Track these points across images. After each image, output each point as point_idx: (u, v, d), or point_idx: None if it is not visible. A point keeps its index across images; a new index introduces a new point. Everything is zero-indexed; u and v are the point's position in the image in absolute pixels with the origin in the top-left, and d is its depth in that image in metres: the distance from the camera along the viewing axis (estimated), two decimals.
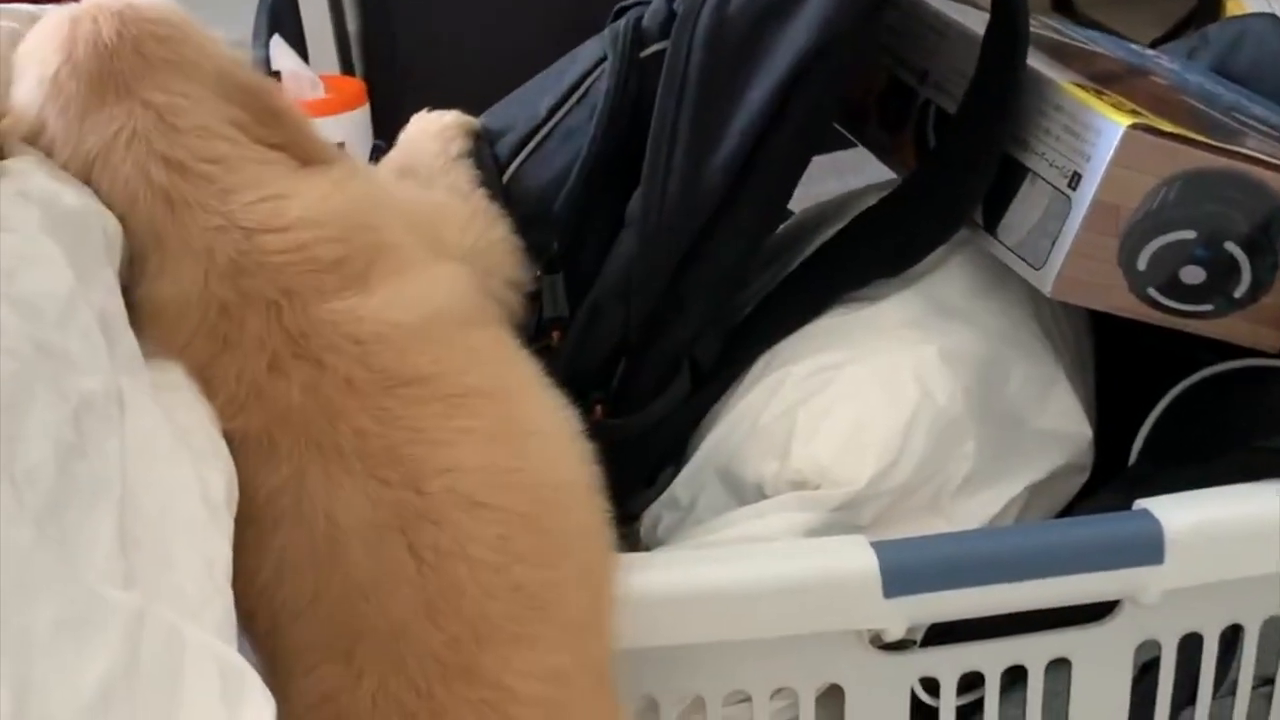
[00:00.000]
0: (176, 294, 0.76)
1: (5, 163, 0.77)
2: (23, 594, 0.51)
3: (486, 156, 1.00)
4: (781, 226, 1.10)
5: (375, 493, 0.73)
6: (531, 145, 0.99)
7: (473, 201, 0.95)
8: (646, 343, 0.96)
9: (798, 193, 1.01)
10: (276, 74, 1.74)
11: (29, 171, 0.77)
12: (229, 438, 0.74)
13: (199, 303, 0.76)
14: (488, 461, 0.76)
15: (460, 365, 0.78)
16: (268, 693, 0.60)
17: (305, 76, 1.65)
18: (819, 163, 1.01)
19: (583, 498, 0.80)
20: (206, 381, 0.75)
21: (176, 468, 0.68)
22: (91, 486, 0.60)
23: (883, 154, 1.08)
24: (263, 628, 0.73)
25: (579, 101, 0.99)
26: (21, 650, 0.50)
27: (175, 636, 0.57)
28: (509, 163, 1.00)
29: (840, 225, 1.03)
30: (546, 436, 0.80)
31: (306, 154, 0.81)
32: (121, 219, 0.77)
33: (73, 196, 0.76)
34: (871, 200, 1.02)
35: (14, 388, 0.58)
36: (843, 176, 1.19)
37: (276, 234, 0.77)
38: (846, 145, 1.13)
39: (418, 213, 0.87)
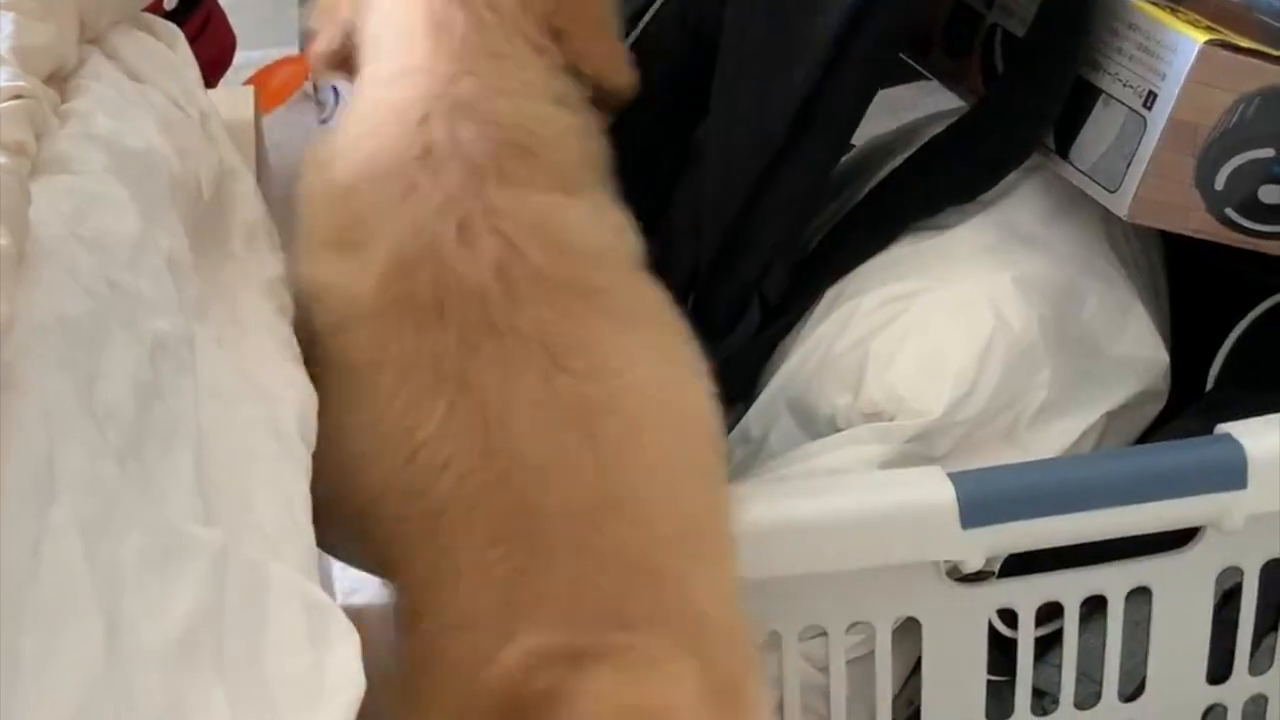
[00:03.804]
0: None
1: (68, 105, 0.77)
2: (109, 528, 0.51)
3: None
4: (845, 158, 1.08)
5: (556, 379, 0.73)
6: None
7: None
8: (715, 277, 0.95)
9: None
10: None
11: (93, 113, 0.76)
12: (387, 304, 0.75)
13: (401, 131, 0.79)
14: (655, 379, 0.77)
15: (630, 293, 0.80)
16: (353, 628, 0.59)
17: None
18: (874, 100, 0.99)
19: (716, 432, 0.80)
20: (373, 225, 0.77)
21: (249, 407, 0.68)
22: (169, 425, 0.60)
23: (948, 80, 1.06)
24: (418, 486, 0.73)
25: (642, 34, 0.98)
26: (110, 584, 0.50)
27: (259, 573, 0.57)
28: None
29: (907, 154, 1.01)
30: (692, 373, 0.81)
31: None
32: None
33: (137, 138, 0.76)
34: (939, 128, 1.01)
35: (92, 325, 0.58)
36: (898, 114, 1.17)
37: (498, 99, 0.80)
38: (899, 81, 1.12)
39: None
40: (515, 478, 0.72)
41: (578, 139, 0.84)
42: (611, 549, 0.71)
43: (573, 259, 0.78)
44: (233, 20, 1.78)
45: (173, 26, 0.92)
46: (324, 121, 1.73)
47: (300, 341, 0.79)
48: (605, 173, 0.85)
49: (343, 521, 0.74)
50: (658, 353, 0.79)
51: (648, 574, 0.71)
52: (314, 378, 0.76)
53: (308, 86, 1.90)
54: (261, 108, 1.20)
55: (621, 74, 0.89)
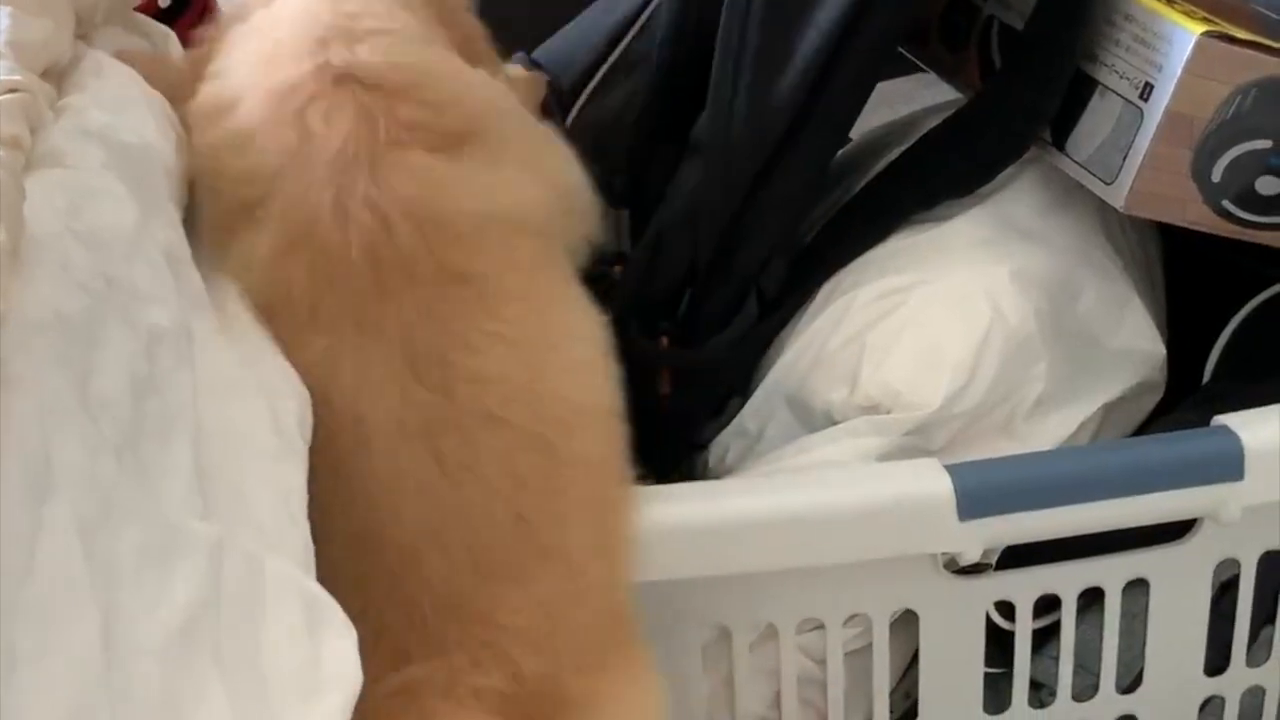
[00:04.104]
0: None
1: (65, 100, 0.76)
2: (106, 523, 0.51)
3: (549, 99, 0.99)
4: (841, 151, 1.08)
5: (410, 391, 0.71)
6: (595, 80, 0.98)
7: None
8: (713, 272, 0.95)
9: None
10: None
11: (88, 108, 0.76)
12: (268, 297, 0.72)
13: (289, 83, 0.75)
14: (508, 372, 0.74)
15: (503, 267, 0.76)
16: (349, 622, 0.59)
17: None
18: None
19: (599, 422, 0.78)
20: (264, 185, 0.74)
21: (247, 400, 0.68)
22: (167, 419, 0.60)
23: (945, 73, 1.06)
24: None
25: (640, 32, 0.97)
26: (107, 579, 0.50)
27: (256, 566, 0.57)
28: (571, 101, 0.99)
29: (904, 147, 1.01)
30: (571, 354, 0.78)
31: (475, 55, 0.83)
32: None
33: (133, 133, 0.76)
34: (935, 121, 1.00)
35: (88, 320, 0.58)
36: (893, 106, 1.17)
37: (392, 69, 0.76)
38: (895, 74, 1.12)
39: (533, 133, 0.86)
40: (364, 504, 0.71)
41: (469, 90, 0.80)
42: (430, 583, 0.71)
43: (447, 240, 0.74)
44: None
45: (164, 28, 0.91)
46: None
47: None
48: (515, 121, 0.83)
49: None
50: (523, 331, 0.75)
51: (454, 607, 0.71)
52: None
53: None
54: None
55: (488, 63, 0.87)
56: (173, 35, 0.92)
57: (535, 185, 0.80)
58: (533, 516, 0.73)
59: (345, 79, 0.75)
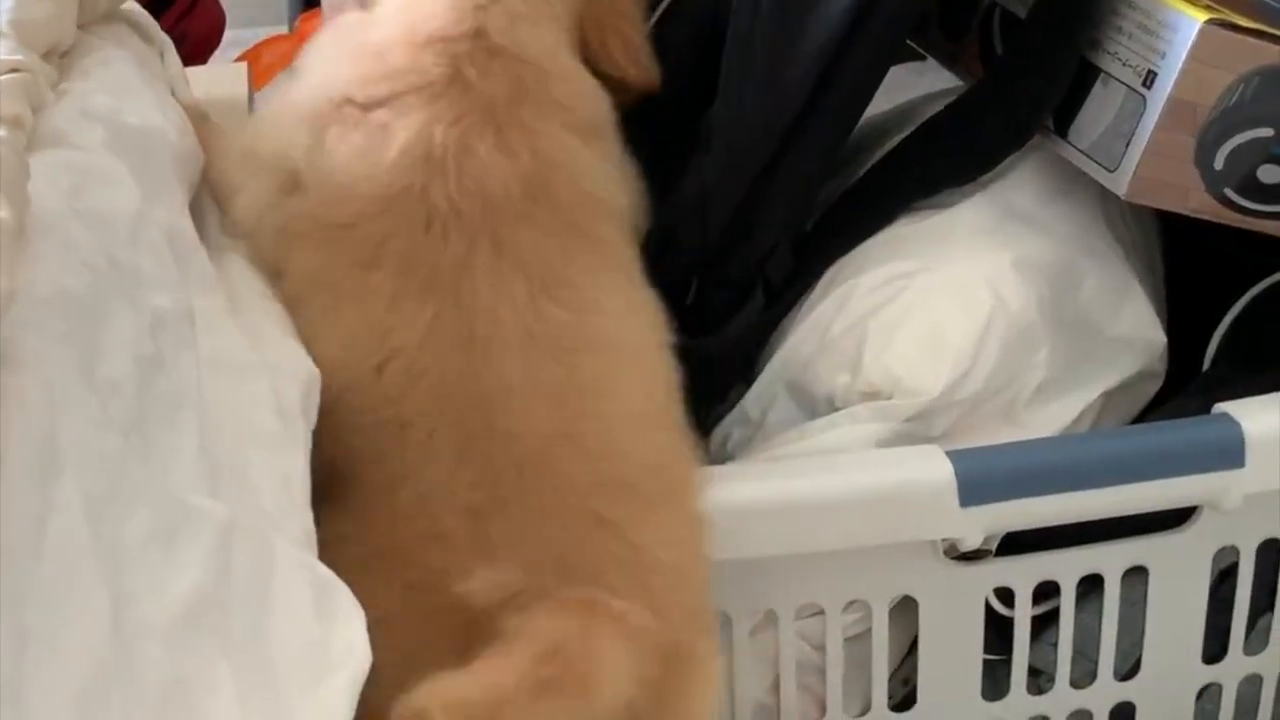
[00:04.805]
0: None
1: (66, 84, 0.76)
2: (114, 503, 0.51)
3: None
4: None
5: (545, 307, 0.74)
6: None
7: None
8: (722, 260, 0.94)
9: None
10: (316, 0, 1.72)
11: (90, 91, 0.76)
12: (397, 193, 0.75)
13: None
14: (630, 328, 0.78)
15: (623, 250, 0.82)
16: (357, 604, 0.59)
17: (346, 1, 1.64)
18: None
19: (678, 395, 0.81)
20: (402, 91, 0.78)
21: (250, 383, 0.67)
22: (172, 399, 0.59)
23: (946, 60, 1.06)
24: (390, 394, 0.73)
25: (657, 25, 0.97)
26: (115, 559, 0.50)
27: (265, 547, 0.57)
28: None
29: (904, 135, 1.01)
30: (659, 332, 0.82)
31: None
32: None
33: (136, 115, 0.76)
34: (936, 108, 1.00)
35: (93, 300, 0.57)
36: (889, 94, 1.17)
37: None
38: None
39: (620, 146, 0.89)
40: (491, 401, 0.72)
41: (594, 92, 0.86)
42: (568, 491, 0.71)
43: (586, 205, 0.79)
44: None
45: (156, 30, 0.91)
46: None
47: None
48: (615, 130, 0.87)
49: None
50: (635, 308, 0.80)
51: (604, 526, 0.71)
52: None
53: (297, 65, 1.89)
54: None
55: (646, 69, 0.91)
56: (169, 43, 0.92)
57: (628, 193, 0.85)
58: (660, 452, 0.76)
59: (500, 51, 0.80)
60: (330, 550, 0.67)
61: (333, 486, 0.72)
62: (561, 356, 0.74)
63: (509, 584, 0.68)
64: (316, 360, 0.74)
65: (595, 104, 0.85)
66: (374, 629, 0.62)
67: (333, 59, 0.83)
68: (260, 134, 0.84)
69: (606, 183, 0.82)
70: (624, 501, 0.72)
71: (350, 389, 0.73)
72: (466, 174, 0.76)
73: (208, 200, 0.84)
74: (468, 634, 0.67)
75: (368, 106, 0.78)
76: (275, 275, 0.79)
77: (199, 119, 0.87)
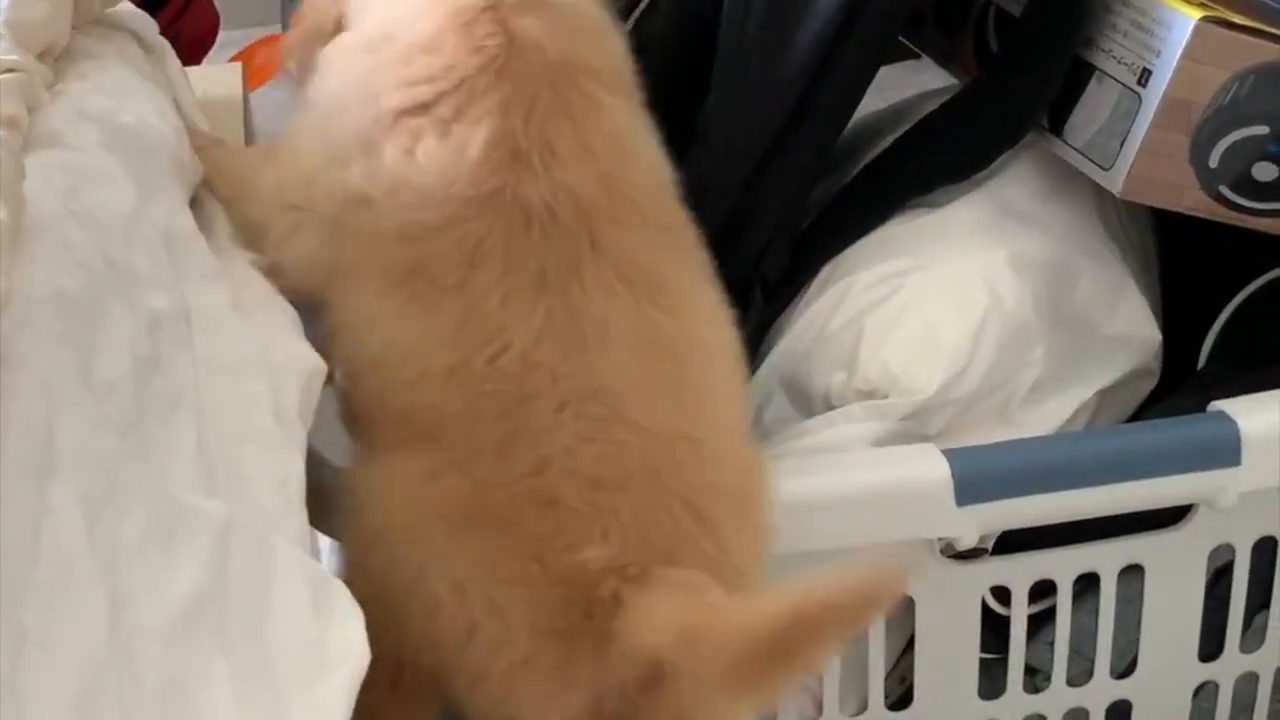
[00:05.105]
0: None
1: (62, 85, 0.76)
2: (110, 503, 0.51)
3: None
4: None
5: (648, 311, 0.75)
6: None
7: None
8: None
9: None
10: None
11: (86, 92, 0.76)
12: (487, 194, 0.75)
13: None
14: (715, 326, 0.79)
15: (688, 234, 0.81)
16: (355, 604, 0.59)
17: None
18: None
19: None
20: (465, 93, 0.77)
21: (248, 383, 0.67)
22: (169, 399, 0.59)
23: (940, 58, 1.06)
24: (508, 375, 0.73)
25: (641, 18, 0.97)
26: (112, 559, 0.49)
27: (263, 546, 0.57)
28: None
29: (899, 133, 1.01)
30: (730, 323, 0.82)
31: None
32: None
33: (131, 116, 0.76)
34: (931, 106, 1.00)
35: (89, 300, 0.57)
36: (883, 93, 1.17)
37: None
38: (887, 61, 1.11)
39: None
40: (614, 394, 0.72)
41: (616, 36, 0.85)
42: (682, 487, 0.72)
43: (655, 188, 0.80)
44: None
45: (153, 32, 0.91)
46: None
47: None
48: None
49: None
50: (717, 310, 0.80)
51: (702, 522, 0.72)
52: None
53: (290, 65, 1.88)
54: None
55: None
56: (170, 50, 0.91)
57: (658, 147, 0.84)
58: (750, 460, 0.77)
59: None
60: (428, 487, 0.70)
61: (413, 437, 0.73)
62: (669, 361, 0.75)
63: (619, 557, 0.70)
64: (400, 347, 0.74)
65: (622, 50, 0.84)
66: (478, 585, 0.66)
67: (366, 79, 0.80)
68: (297, 179, 0.81)
69: (655, 152, 0.82)
70: (724, 505, 0.73)
71: (457, 374, 0.73)
72: (554, 174, 0.76)
73: (212, 205, 0.84)
74: (583, 601, 0.69)
75: (431, 104, 0.77)
76: (343, 297, 0.78)
77: (212, 145, 0.86)
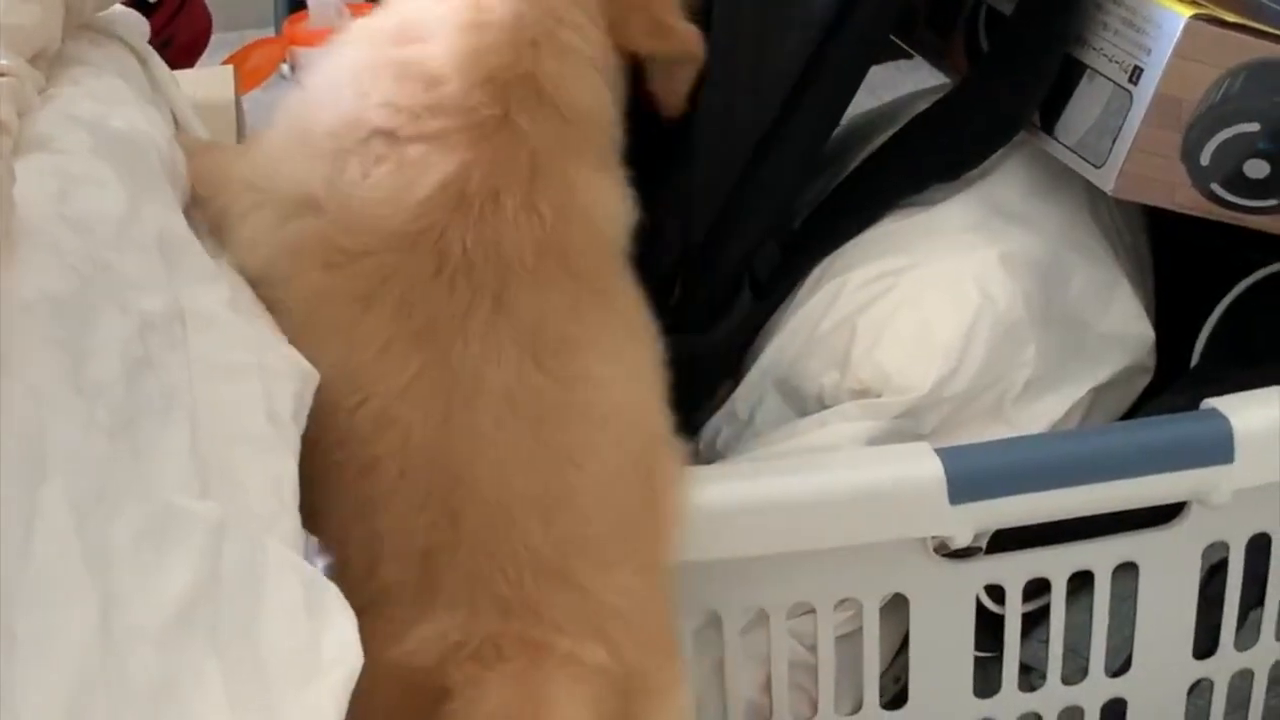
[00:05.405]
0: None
1: (52, 89, 0.76)
2: (101, 506, 0.51)
3: None
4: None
5: (531, 376, 0.74)
6: None
7: None
8: (706, 258, 0.94)
9: None
10: (303, 2, 1.73)
11: (77, 97, 0.76)
12: (416, 235, 0.74)
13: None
14: (621, 387, 0.78)
15: (624, 295, 0.81)
16: (348, 606, 0.59)
17: (332, 3, 1.64)
18: None
19: (666, 441, 0.81)
20: (427, 123, 0.76)
21: (242, 384, 0.67)
22: (162, 401, 0.59)
23: (932, 56, 1.06)
24: (361, 435, 0.73)
25: None
26: (104, 561, 0.49)
27: (256, 548, 0.57)
28: None
29: (890, 132, 1.01)
30: (652, 378, 0.81)
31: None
32: None
33: (122, 120, 0.76)
34: (924, 105, 1.00)
35: (80, 303, 0.57)
36: (875, 93, 1.17)
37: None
38: (878, 60, 1.11)
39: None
40: (461, 457, 0.72)
41: (612, 118, 0.84)
42: (522, 543, 0.72)
43: (597, 251, 0.79)
44: (208, 1, 1.77)
45: (140, 16, 0.91)
46: None
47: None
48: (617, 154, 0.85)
49: None
50: (630, 361, 0.79)
51: (557, 576, 0.72)
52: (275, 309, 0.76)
53: (284, 68, 1.89)
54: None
55: (679, 35, 0.87)
56: (150, 50, 0.91)
57: (629, 215, 0.84)
58: (632, 507, 0.77)
59: (549, 98, 0.79)
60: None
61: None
62: (538, 426, 0.74)
63: (449, 634, 0.70)
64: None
65: (610, 127, 0.84)
66: None
67: (364, 76, 0.79)
68: (266, 162, 0.81)
69: (618, 216, 0.82)
70: (579, 556, 0.73)
71: (325, 423, 0.73)
72: (488, 226, 0.75)
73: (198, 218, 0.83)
74: (416, 694, 0.69)
75: (408, 140, 0.76)
76: (274, 301, 0.78)
77: (197, 148, 0.86)
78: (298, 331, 0.75)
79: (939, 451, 0.84)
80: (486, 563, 0.71)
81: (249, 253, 0.79)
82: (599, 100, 0.82)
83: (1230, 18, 0.86)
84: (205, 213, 0.82)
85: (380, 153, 0.76)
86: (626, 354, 0.79)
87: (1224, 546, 0.91)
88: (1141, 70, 0.87)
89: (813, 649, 0.89)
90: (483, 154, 0.76)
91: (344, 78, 0.80)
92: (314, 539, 0.76)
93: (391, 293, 0.74)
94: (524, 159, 0.77)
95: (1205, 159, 0.89)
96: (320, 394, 0.73)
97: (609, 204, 0.81)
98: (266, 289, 0.77)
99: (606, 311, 0.79)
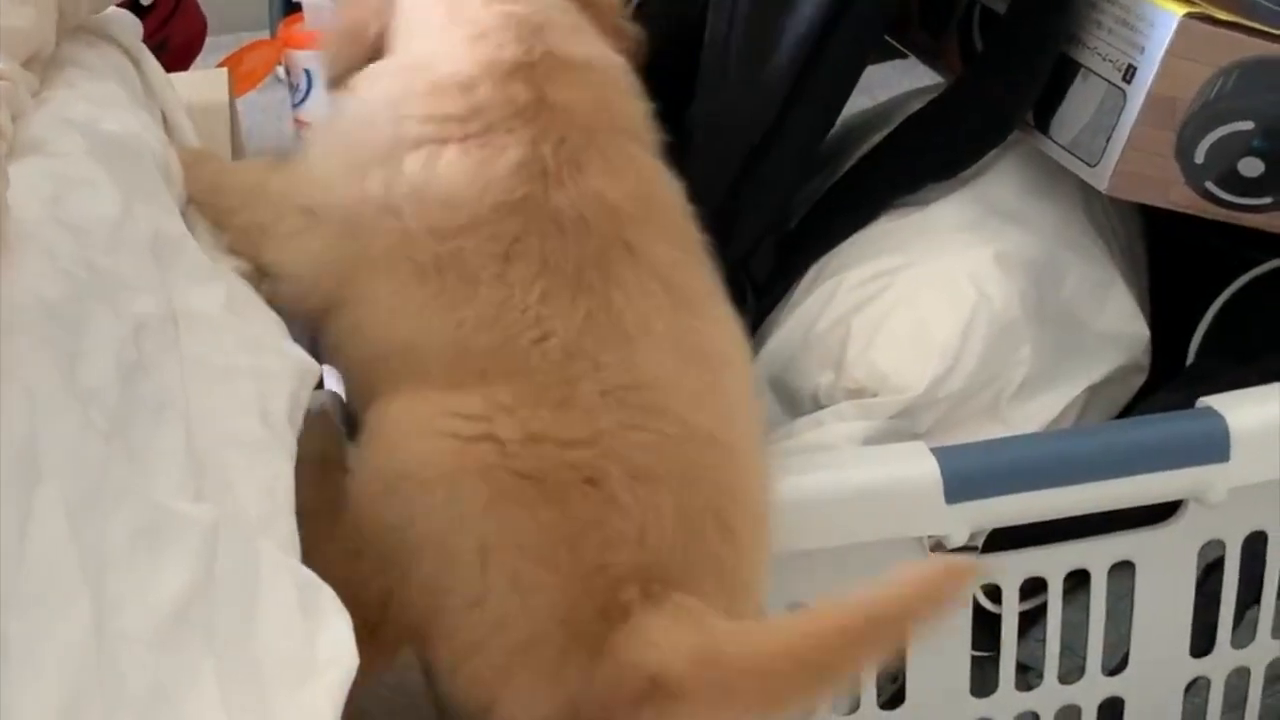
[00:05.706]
0: None
1: (47, 92, 0.76)
2: (95, 508, 0.51)
3: None
4: None
5: (682, 318, 0.76)
6: None
7: None
8: None
9: None
10: (298, 5, 1.73)
11: (71, 100, 0.76)
12: (518, 200, 0.76)
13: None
14: (739, 344, 0.81)
15: (688, 225, 0.82)
16: (342, 606, 0.59)
17: (326, 7, 1.64)
18: None
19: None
20: (497, 120, 0.78)
21: (235, 386, 0.67)
22: (156, 403, 0.59)
23: (926, 56, 1.06)
24: (550, 362, 0.74)
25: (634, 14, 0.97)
26: (98, 564, 0.49)
27: (250, 550, 0.56)
28: None
29: (885, 132, 1.01)
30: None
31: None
32: None
33: (115, 123, 0.76)
34: (918, 105, 1.00)
35: (74, 307, 0.57)
36: (870, 93, 1.17)
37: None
38: (873, 61, 1.12)
39: None
40: (654, 388, 0.73)
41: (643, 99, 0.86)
42: (710, 490, 0.73)
43: (681, 213, 0.82)
44: (203, 3, 1.77)
45: (134, 18, 0.91)
46: (297, 105, 1.72)
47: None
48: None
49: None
50: (737, 329, 0.81)
51: (727, 534, 0.73)
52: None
53: (279, 70, 1.89)
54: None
55: (626, 36, 0.90)
56: (145, 51, 0.91)
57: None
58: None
59: (570, 63, 0.81)
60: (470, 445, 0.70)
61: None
62: (705, 365, 0.76)
63: (648, 569, 0.70)
64: (435, 333, 0.75)
65: (647, 112, 0.86)
66: (503, 554, 0.68)
67: (399, 102, 0.81)
68: (314, 188, 0.82)
69: (680, 194, 0.83)
70: (746, 518, 0.74)
71: (503, 350, 0.74)
72: (584, 186, 0.77)
73: (191, 217, 0.83)
74: (601, 601, 0.70)
75: (458, 142, 0.78)
76: (332, 304, 0.79)
77: (203, 160, 0.86)
78: (417, 293, 0.76)
79: (935, 451, 0.84)
80: (688, 503, 0.72)
81: (309, 272, 0.80)
82: (614, 61, 0.85)
83: (1223, 16, 0.87)
84: (233, 223, 0.83)
85: (436, 149, 0.78)
86: (727, 309, 0.81)
87: (1220, 545, 0.91)
88: (1135, 69, 0.87)
89: None
90: (542, 129, 0.78)
91: (377, 109, 0.82)
92: None
93: (528, 251, 0.76)
94: (582, 133, 0.79)
95: (1199, 157, 0.89)
96: (487, 334, 0.74)
97: (665, 180, 0.83)
98: (351, 289, 0.79)
99: (701, 268, 0.81)
